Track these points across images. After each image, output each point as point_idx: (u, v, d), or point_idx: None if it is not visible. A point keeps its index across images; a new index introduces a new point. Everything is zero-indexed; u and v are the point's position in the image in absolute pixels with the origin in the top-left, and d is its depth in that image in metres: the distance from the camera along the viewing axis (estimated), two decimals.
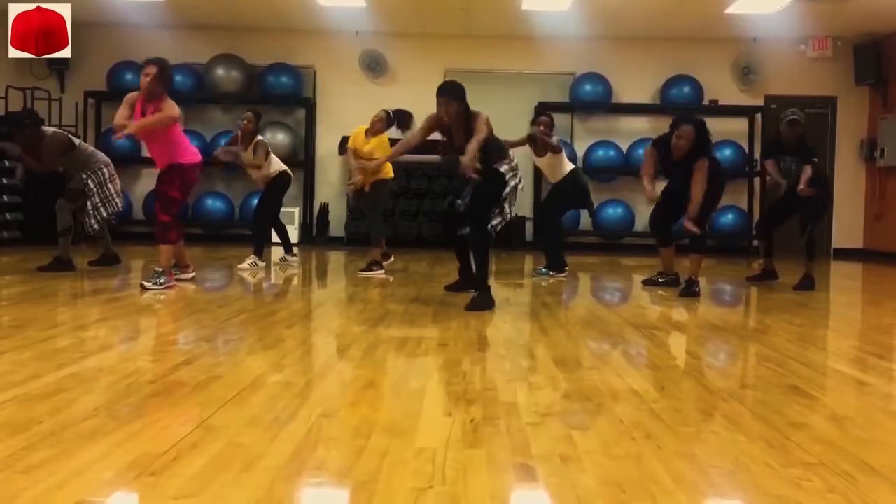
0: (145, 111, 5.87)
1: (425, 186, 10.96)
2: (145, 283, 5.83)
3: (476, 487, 1.99)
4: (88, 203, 6.85)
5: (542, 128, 7.34)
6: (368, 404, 2.83)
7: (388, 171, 7.38)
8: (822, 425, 2.65)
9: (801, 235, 7.05)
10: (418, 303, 5.50)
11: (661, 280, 6.84)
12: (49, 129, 6.98)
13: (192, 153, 6.15)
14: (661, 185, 6.73)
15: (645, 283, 6.98)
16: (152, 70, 5.83)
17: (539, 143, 7.35)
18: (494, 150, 5.34)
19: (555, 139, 7.34)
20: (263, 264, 7.76)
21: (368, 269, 7.34)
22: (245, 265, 7.54)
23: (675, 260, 6.85)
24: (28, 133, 6.77)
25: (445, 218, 5.72)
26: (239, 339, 4.11)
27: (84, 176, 6.84)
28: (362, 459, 2.17)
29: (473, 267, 5.54)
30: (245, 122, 7.55)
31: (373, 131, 7.26)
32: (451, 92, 5.28)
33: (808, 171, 6.83)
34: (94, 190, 6.85)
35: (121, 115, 5.86)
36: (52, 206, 6.93)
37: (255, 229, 8.05)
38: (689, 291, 6.23)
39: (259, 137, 7.63)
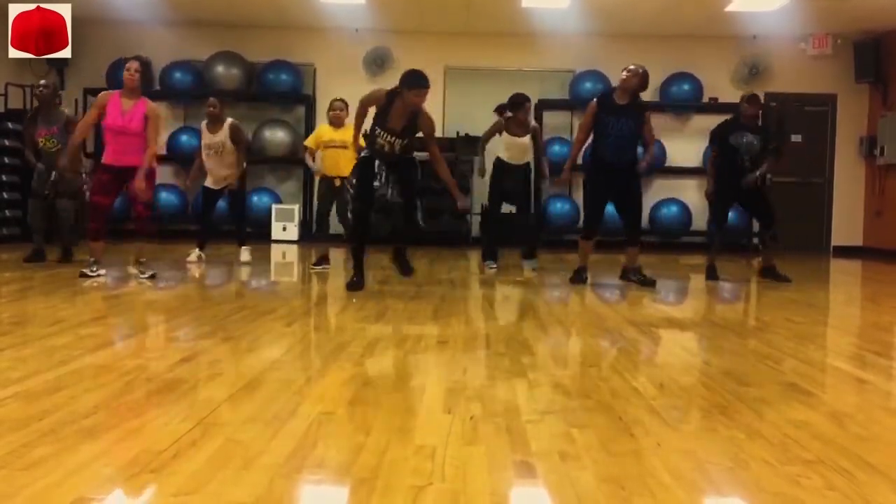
0: (126, 109, 6.08)
1: (422, 184, 10.92)
2: (140, 276, 6.17)
3: (475, 484, 1.99)
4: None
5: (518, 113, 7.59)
6: (368, 401, 2.83)
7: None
8: (821, 423, 2.65)
9: (763, 233, 7.27)
10: (418, 300, 5.50)
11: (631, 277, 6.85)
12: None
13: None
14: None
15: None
16: (134, 65, 6.11)
17: (519, 123, 7.54)
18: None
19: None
20: None
21: (320, 263, 7.45)
22: (248, 257, 7.81)
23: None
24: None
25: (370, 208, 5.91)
26: (238, 336, 4.11)
27: (83, 176, 7.04)
28: (362, 456, 2.17)
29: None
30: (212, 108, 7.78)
31: (339, 123, 7.23)
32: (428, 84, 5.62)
33: (764, 167, 7.17)
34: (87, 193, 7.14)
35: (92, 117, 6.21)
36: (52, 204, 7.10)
37: (243, 223, 8.17)
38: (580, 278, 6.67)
39: (230, 120, 7.85)
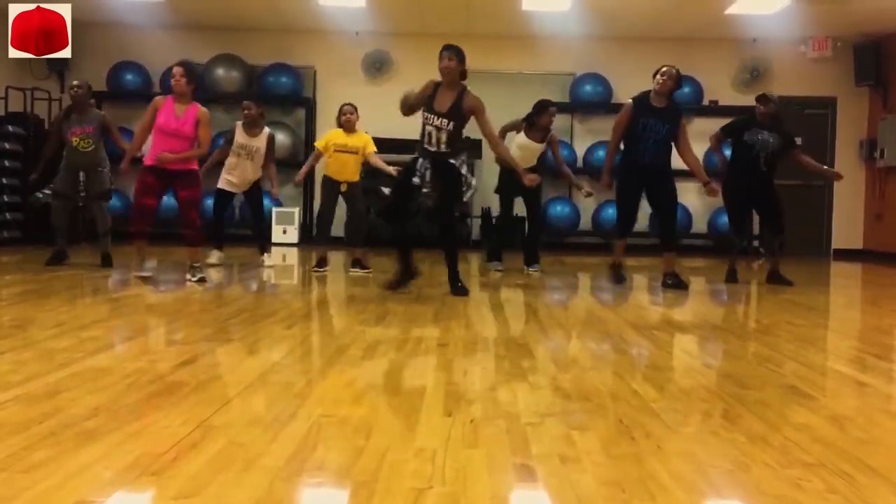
0: (179, 114, 6.17)
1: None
2: (191, 277, 6.23)
3: (476, 488, 1.99)
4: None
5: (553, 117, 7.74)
6: (368, 404, 2.83)
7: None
8: (821, 425, 2.65)
9: (771, 239, 7.37)
10: (418, 302, 5.50)
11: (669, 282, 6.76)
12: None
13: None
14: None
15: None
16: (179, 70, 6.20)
17: (539, 127, 7.58)
18: (461, 142, 5.85)
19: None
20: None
21: (361, 266, 7.47)
22: (268, 262, 7.94)
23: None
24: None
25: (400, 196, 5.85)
26: (239, 338, 4.11)
27: (111, 174, 7.26)
28: (362, 459, 2.17)
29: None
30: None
31: (351, 128, 7.28)
32: (456, 50, 5.77)
33: (824, 168, 7.46)
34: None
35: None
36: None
37: (264, 228, 8.39)
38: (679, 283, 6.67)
39: (269, 130, 7.95)
